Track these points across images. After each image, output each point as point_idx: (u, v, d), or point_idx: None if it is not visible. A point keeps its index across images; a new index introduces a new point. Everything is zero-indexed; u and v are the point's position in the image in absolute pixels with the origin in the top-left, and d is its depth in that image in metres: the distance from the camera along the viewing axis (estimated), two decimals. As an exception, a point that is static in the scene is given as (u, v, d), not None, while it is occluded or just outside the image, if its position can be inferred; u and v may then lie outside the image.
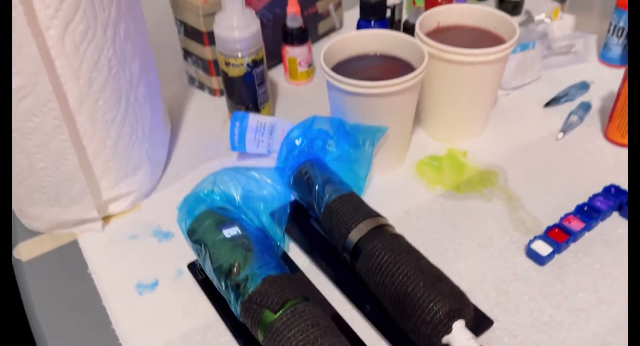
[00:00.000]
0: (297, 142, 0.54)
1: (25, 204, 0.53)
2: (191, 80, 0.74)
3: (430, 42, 0.56)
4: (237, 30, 0.58)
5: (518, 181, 0.58)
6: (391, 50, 0.58)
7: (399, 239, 0.45)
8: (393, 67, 0.57)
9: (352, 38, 0.58)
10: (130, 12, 0.50)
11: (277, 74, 0.76)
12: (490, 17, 0.61)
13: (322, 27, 0.82)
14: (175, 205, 0.53)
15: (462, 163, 0.60)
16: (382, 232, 0.46)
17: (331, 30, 0.84)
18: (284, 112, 0.70)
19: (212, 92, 0.72)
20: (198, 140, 0.66)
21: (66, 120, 0.46)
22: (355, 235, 0.46)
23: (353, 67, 0.58)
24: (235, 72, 0.61)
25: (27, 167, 0.49)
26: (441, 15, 0.62)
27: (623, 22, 0.70)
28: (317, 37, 0.82)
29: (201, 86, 0.73)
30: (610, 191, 0.55)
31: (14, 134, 0.46)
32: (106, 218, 0.56)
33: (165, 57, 0.77)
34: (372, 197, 0.56)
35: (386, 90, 0.51)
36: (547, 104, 0.68)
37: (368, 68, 0.58)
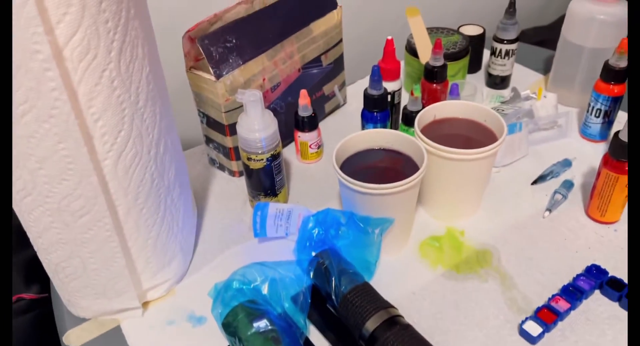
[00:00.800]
0: (315, 232, 0.61)
1: (75, 297, 0.59)
2: (212, 161, 0.82)
3: (429, 141, 0.63)
4: (258, 132, 0.65)
5: (510, 260, 0.65)
6: (394, 145, 0.66)
7: (408, 329, 0.52)
8: (396, 161, 0.65)
9: (359, 137, 0.65)
10: (167, 124, 0.57)
11: (289, 153, 0.84)
12: (480, 111, 0.69)
13: (328, 106, 0.90)
14: (206, 289, 0.60)
15: (460, 242, 0.67)
16: (394, 322, 0.53)
17: (336, 107, 0.92)
18: (297, 188, 0.78)
19: (232, 173, 0.80)
20: (222, 223, 0.73)
21: (116, 230, 0.54)
22: (370, 325, 0.53)
23: (360, 161, 0.65)
24: (256, 165, 0.68)
25: (80, 269, 0.56)
26: (437, 110, 0.70)
27: (600, 105, 0.78)
28: (324, 115, 0.90)
29: (221, 167, 0.81)
30: (591, 271, 0.62)
31: (67, 244, 0.53)
32: (145, 304, 0.63)
33: (189, 140, 0.85)
34: (382, 278, 0.64)
35: (390, 191, 0.58)
36: (534, 182, 0.75)
37: (374, 162, 0.65)
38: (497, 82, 0.95)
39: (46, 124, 0.45)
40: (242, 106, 0.68)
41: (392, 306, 0.55)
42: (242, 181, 0.78)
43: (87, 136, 0.47)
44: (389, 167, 0.65)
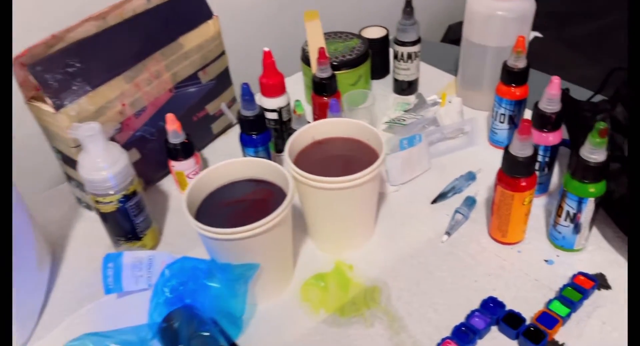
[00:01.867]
0: (167, 292, 0.52)
1: None
2: (78, 200, 0.72)
3: (297, 170, 0.55)
4: (105, 170, 0.56)
5: (402, 298, 0.57)
6: (262, 175, 0.57)
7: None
8: (265, 193, 0.57)
9: (219, 169, 0.57)
10: None
11: (169, 184, 0.75)
12: (361, 130, 0.61)
13: (216, 127, 0.81)
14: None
15: (348, 279, 0.59)
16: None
17: (228, 127, 0.83)
18: (176, 224, 0.69)
19: (100, 213, 0.70)
20: (80, 276, 0.63)
21: None
22: (217, 402, 0.44)
23: (224, 196, 0.57)
24: (107, 208, 0.59)
25: None
26: (316, 131, 0.62)
27: (503, 109, 0.71)
28: (212, 137, 0.81)
29: (88, 207, 0.71)
30: (488, 305, 0.55)
31: None
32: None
33: (50, 178, 0.75)
34: (255, 332, 0.55)
35: (251, 233, 0.50)
36: (434, 201, 0.68)
37: (238, 198, 0.57)
38: (404, 87, 0.87)
39: None
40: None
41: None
42: (113, 220, 0.69)
43: None
44: (257, 200, 0.57)
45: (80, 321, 0.57)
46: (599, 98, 0.76)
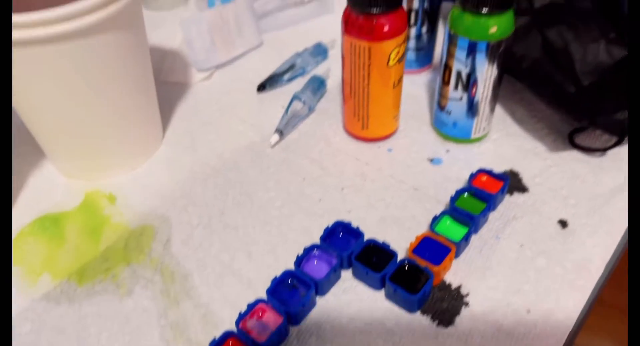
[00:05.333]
0: None
1: None
2: None
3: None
4: None
5: (191, 238, 0.33)
6: None
7: None
8: None
9: None
10: None
11: None
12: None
13: None
14: None
15: (103, 218, 0.34)
16: None
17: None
18: None
19: None
20: None
21: None
22: None
23: None
24: None
25: None
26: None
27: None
28: None
29: None
30: (335, 235, 0.32)
31: None
32: None
33: None
34: None
35: None
36: (261, 87, 0.43)
37: None
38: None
39: None
40: None
41: None
42: None
43: None
44: None
45: None
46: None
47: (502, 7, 0.32)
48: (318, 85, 0.42)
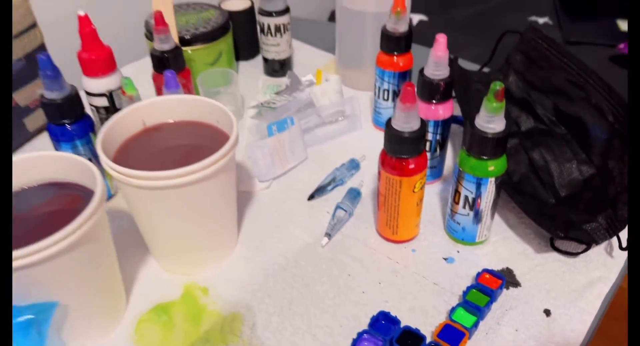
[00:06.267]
0: None
1: None
2: None
3: (113, 166, 0.40)
4: None
5: (270, 324, 0.44)
6: (65, 176, 0.41)
7: None
8: (70, 200, 0.41)
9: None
10: None
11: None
12: (205, 108, 0.47)
13: (31, 122, 0.62)
14: None
15: (200, 307, 0.45)
16: None
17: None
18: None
19: None
20: None
21: None
22: None
23: (21, 206, 0.40)
24: None
25: None
26: (146, 112, 0.47)
27: (386, 84, 0.60)
28: (28, 136, 0.63)
29: None
30: (379, 322, 0.43)
31: None
32: None
33: None
34: (63, 396, 0.39)
35: (29, 259, 0.34)
36: (311, 197, 0.55)
37: (34, 209, 0.40)
38: (276, 68, 0.74)
39: None
40: None
41: None
42: None
43: None
44: (59, 212, 0.40)
45: None
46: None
47: (497, 155, 0.44)
48: (355, 195, 0.54)
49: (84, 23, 0.53)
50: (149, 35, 0.67)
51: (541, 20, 1.16)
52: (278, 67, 0.74)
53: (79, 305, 0.39)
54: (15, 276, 0.35)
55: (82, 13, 0.53)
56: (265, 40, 0.71)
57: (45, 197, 0.41)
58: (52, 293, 0.37)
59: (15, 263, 0.34)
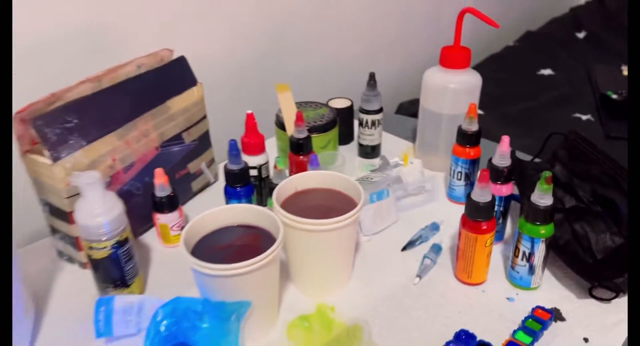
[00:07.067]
0: (162, 328, 0.54)
1: None
2: (59, 253, 0.73)
3: (285, 214, 0.60)
4: (100, 216, 0.59)
5: (382, 334, 0.61)
6: (251, 220, 0.62)
7: None
8: (255, 237, 0.61)
9: (211, 215, 0.61)
10: None
11: (151, 237, 0.77)
12: (340, 181, 0.67)
13: (195, 185, 0.85)
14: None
15: (330, 320, 0.63)
16: None
17: (206, 185, 0.88)
18: (159, 277, 0.71)
19: (82, 265, 0.71)
20: (64, 324, 0.63)
21: None
22: None
23: (215, 240, 0.60)
24: (100, 254, 0.61)
25: None
26: (298, 182, 0.68)
27: (460, 168, 0.80)
28: (192, 194, 0.85)
29: (70, 260, 0.72)
30: (460, 337, 0.60)
31: None
32: None
33: (34, 233, 0.76)
34: (244, 370, 0.57)
35: (244, 270, 0.54)
36: (404, 248, 0.74)
37: (231, 241, 0.61)
38: (368, 151, 0.96)
39: None
40: (84, 190, 0.62)
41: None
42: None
43: None
44: (247, 244, 0.61)
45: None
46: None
47: (547, 222, 0.62)
48: (437, 249, 0.73)
49: (250, 118, 0.77)
50: (278, 124, 0.90)
51: (584, 117, 1.34)
52: (370, 151, 0.96)
53: (259, 306, 0.58)
54: (228, 282, 0.55)
55: (249, 111, 0.77)
56: (363, 131, 0.94)
57: (239, 233, 0.61)
58: (248, 295, 0.56)
59: (228, 273, 0.54)
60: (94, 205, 0.59)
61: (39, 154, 0.65)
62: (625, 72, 1.53)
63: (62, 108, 0.66)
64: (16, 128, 0.63)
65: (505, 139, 0.68)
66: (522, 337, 0.59)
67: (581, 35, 1.82)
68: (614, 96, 1.37)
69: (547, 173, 0.60)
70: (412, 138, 1.02)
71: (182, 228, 0.75)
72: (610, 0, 1.96)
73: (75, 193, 0.65)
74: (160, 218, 0.73)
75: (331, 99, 0.99)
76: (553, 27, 1.88)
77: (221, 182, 0.89)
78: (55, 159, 0.63)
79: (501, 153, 0.69)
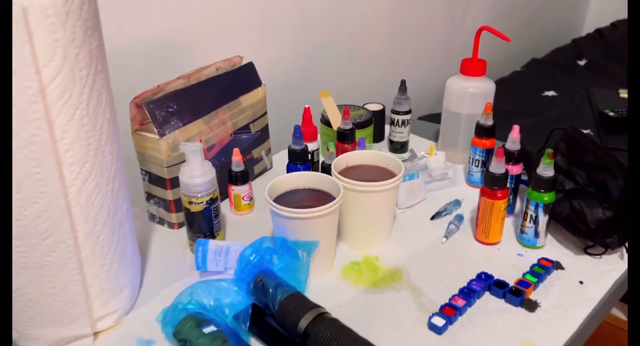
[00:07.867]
0: (252, 258, 0.70)
1: (27, 327, 0.63)
2: (152, 216, 0.90)
3: (343, 178, 0.77)
4: (199, 177, 0.76)
5: (418, 276, 0.77)
6: (315, 185, 0.79)
7: (336, 321, 0.61)
8: (318, 196, 0.77)
9: (287, 178, 0.78)
10: (120, 165, 0.67)
11: (224, 208, 0.94)
12: (383, 158, 0.84)
13: (257, 169, 1.02)
14: (152, 319, 0.66)
15: (376, 266, 0.79)
16: (323, 318, 0.62)
17: (264, 170, 1.05)
18: (233, 236, 0.87)
19: (171, 225, 0.88)
20: (164, 264, 0.80)
21: (76, 253, 0.60)
22: (303, 323, 0.61)
23: (289, 198, 0.77)
24: (196, 208, 0.78)
25: (37, 295, 0.61)
26: (349, 159, 0.85)
27: (478, 156, 0.97)
28: (254, 177, 1.02)
29: (161, 221, 0.89)
30: (481, 277, 0.75)
31: (29, 268, 0.59)
32: (95, 335, 0.67)
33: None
34: (311, 296, 0.72)
35: (314, 214, 0.70)
36: (433, 218, 0.90)
37: (300, 199, 0.77)
38: (398, 147, 1.13)
39: (26, 150, 0.54)
40: (181, 163, 0.79)
41: (320, 307, 0.64)
42: (181, 232, 0.87)
43: (58, 163, 0.56)
44: (312, 203, 0.77)
45: (172, 294, 0.73)
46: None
47: (549, 190, 0.79)
48: (460, 218, 0.89)
49: (307, 111, 0.94)
50: (323, 121, 1.07)
51: (584, 131, 1.51)
52: (399, 147, 1.13)
53: (322, 247, 0.74)
54: (302, 224, 0.71)
55: (307, 106, 0.94)
56: (394, 129, 1.11)
57: (307, 194, 0.78)
58: (316, 235, 0.73)
59: (302, 216, 0.70)
60: (195, 168, 0.76)
61: (146, 132, 0.82)
62: (622, 95, 1.70)
63: (165, 96, 0.83)
64: (131, 110, 0.81)
65: (516, 127, 0.85)
66: (530, 277, 0.75)
67: (582, 62, 2.00)
68: (611, 113, 1.54)
69: (550, 150, 0.77)
70: (434, 138, 1.19)
71: (251, 199, 0.92)
72: (609, 33, 2.15)
73: (173, 163, 0.83)
74: (235, 189, 0.90)
75: (366, 104, 1.17)
76: (556, 55, 2.06)
77: (275, 168, 1.06)
78: (162, 135, 0.81)
79: (512, 138, 0.86)
